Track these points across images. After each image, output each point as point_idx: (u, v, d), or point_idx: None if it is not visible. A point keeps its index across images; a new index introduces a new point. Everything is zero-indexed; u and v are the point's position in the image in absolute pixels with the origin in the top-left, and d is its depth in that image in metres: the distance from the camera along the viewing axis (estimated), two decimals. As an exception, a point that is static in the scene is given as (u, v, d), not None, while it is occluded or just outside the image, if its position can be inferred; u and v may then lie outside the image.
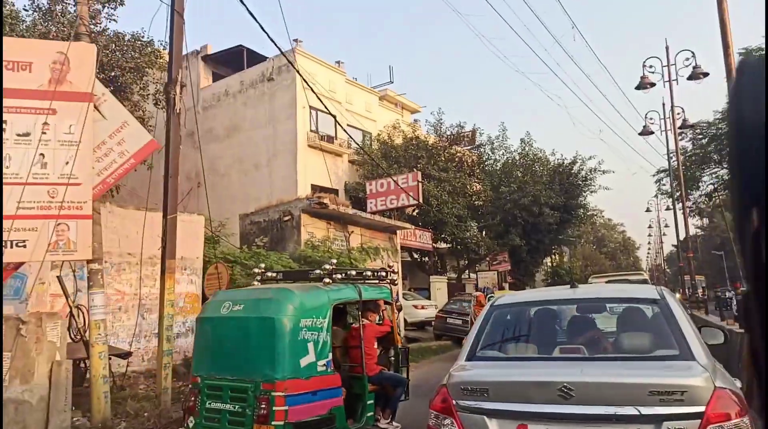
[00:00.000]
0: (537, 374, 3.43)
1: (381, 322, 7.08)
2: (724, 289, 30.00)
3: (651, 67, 18.04)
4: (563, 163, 28.51)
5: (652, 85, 17.86)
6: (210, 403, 5.53)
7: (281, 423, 5.02)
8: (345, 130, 18.98)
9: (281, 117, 24.41)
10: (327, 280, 6.08)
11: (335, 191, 26.30)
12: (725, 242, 61.54)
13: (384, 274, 7.08)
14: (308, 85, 10.86)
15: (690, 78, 17.29)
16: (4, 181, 6.87)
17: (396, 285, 8.28)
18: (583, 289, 4.63)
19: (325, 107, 13.01)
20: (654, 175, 30.54)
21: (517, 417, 3.25)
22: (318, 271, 6.25)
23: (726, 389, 2.93)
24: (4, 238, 6.81)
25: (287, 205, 15.74)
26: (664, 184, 29.57)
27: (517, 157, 27.87)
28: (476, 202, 26.49)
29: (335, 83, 26.46)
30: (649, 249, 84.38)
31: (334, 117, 27.67)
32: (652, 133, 22.89)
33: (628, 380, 3.10)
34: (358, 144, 22.73)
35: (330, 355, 5.64)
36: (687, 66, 17.26)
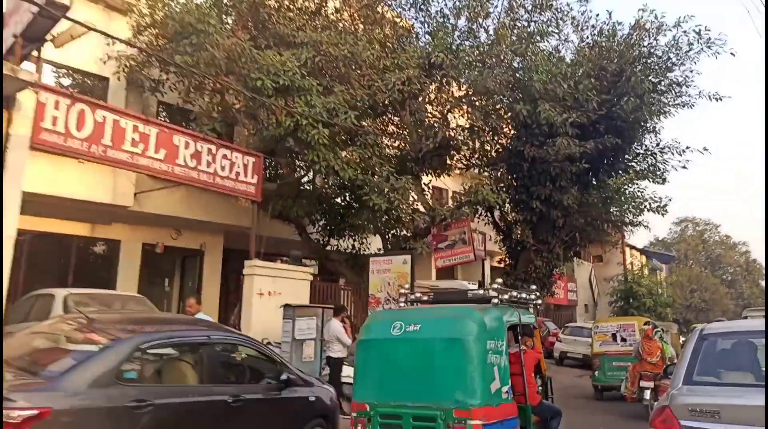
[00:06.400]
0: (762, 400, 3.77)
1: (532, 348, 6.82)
2: None
3: None
4: (613, 27, 13.96)
5: None
6: None
7: None
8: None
9: None
10: (495, 300, 5.81)
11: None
12: None
13: (534, 296, 6.72)
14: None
15: None
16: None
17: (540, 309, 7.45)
18: None
19: None
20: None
21: None
22: (481, 292, 6.24)
23: None
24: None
25: None
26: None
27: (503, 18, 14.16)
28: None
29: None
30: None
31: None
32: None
33: None
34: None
35: (510, 381, 5.40)
36: None
